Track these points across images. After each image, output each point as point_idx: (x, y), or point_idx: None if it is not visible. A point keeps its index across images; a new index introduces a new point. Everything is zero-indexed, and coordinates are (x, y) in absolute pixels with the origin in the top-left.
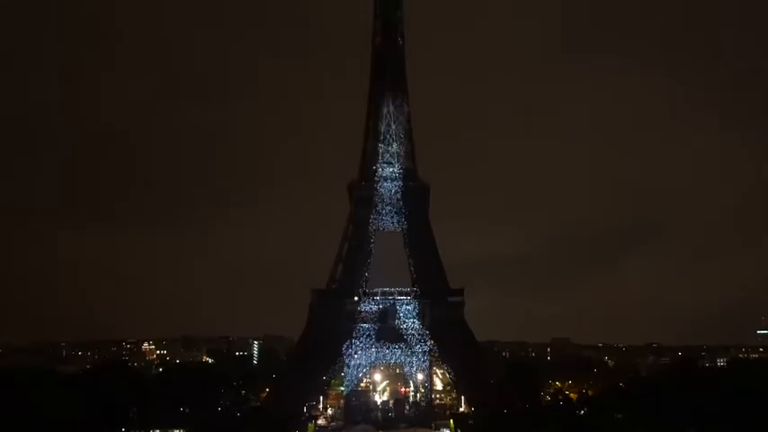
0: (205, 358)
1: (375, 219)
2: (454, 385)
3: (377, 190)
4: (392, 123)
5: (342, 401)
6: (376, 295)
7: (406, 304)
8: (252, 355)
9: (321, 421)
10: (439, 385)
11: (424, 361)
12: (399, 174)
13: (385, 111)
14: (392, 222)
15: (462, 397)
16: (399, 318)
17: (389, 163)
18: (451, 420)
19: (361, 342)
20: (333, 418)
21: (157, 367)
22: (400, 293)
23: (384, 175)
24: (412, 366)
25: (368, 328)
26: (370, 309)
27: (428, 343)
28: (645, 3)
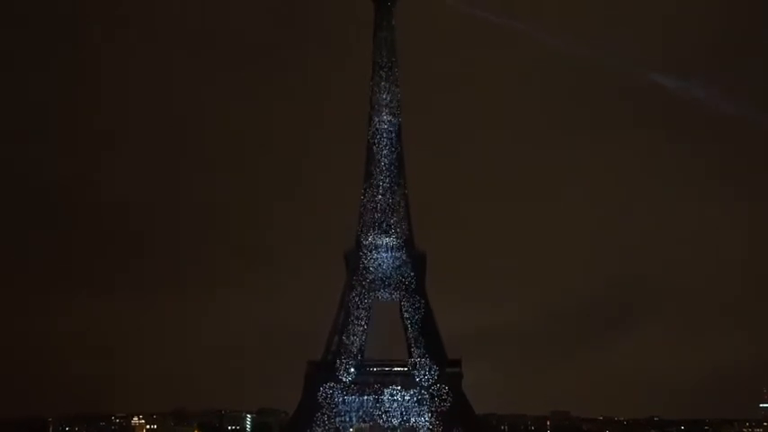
0: None
1: (372, 288)
2: None
3: (373, 259)
4: (389, 194)
5: None
6: (372, 366)
7: (403, 375)
8: (245, 430)
9: None
10: None
11: None
12: (396, 243)
13: (382, 182)
14: (389, 292)
15: None
16: (396, 389)
17: (386, 232)
18: None
19: (354, 416)
20: None
21: None
22: (397, 364)
23: (381, 244)
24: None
25: (363, 400)
26: (366, 380)
27: (426, 416)
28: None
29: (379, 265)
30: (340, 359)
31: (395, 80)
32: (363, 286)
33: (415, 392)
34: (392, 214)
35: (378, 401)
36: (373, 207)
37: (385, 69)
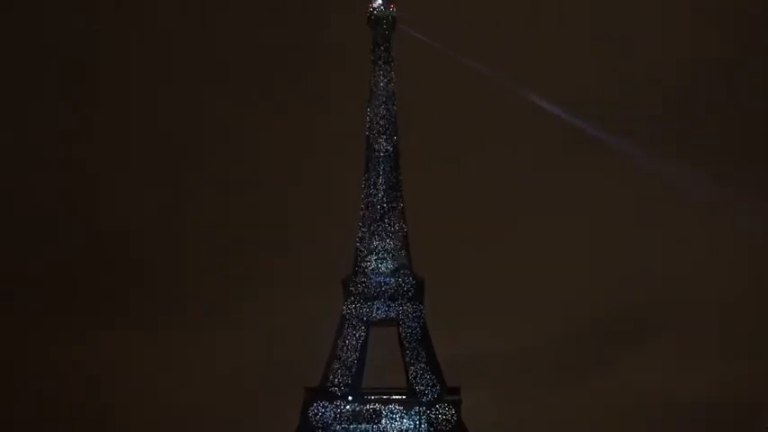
0: None
1: (368, 314)
2: None
3: (370, 285)
4: (386, 218)
5: None
6: (369, 394)
7: (400, 403)
8: None
9: None
10: None
11: None
12: (393, 269)
13: (379, 206)
14: (386, 317)
15: None
16: (396, 408)
17: (383, 258)
18: None
19: None
20: None
21: None
22: (395, 392)
23: (378, 269)
24: None
25: (357, 428)
26: (362, 408)
27: None
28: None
29: (377, 290)
30: (337, 386)
31: (391, 61)
32: (360, 311)
33: (417, 411)
34: (390, 240)
35: (376, 422)
36: (370, 232)
37: (382, 49)
